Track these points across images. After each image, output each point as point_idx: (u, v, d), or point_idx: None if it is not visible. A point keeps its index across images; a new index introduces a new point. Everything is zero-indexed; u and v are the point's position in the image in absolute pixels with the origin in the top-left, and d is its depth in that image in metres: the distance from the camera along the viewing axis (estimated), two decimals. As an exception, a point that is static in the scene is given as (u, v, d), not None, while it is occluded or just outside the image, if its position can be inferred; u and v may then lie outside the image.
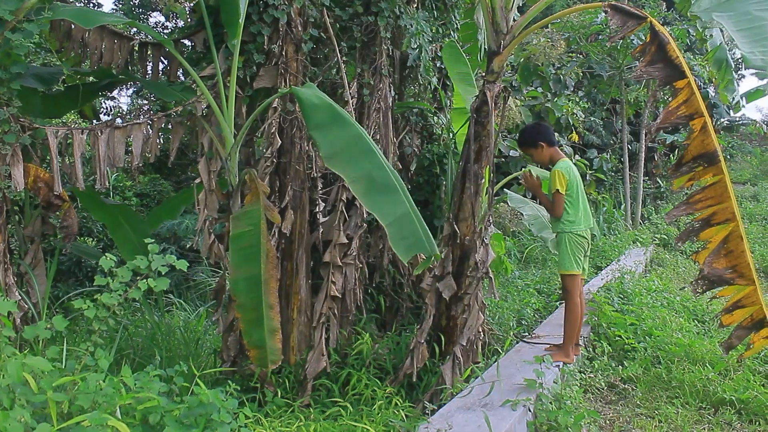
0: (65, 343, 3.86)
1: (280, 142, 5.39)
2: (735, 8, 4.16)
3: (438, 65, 7.36)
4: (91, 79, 6.69)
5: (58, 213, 5.93)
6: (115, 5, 16.89)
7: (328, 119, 4.63)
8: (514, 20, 5.35)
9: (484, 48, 7.77)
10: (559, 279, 5.88)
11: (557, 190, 5.28)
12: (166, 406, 3.17)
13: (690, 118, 4.52)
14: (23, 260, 5.77)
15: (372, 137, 5.57)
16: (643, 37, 4.73)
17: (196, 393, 3.25)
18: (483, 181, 5.46)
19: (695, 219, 4.69)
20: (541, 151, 5.46)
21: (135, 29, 7.80)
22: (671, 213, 4.80)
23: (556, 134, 12.67)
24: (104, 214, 6.85)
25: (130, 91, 16.46)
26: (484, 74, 5.44)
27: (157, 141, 5.43)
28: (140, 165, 5.31)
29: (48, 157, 4.97)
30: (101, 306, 3.34)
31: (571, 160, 12.81)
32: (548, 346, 5.65)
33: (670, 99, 4.55)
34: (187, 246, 10.96)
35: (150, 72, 6.31)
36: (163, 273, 3.53)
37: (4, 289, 4.53)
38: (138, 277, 3.49)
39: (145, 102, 14.61)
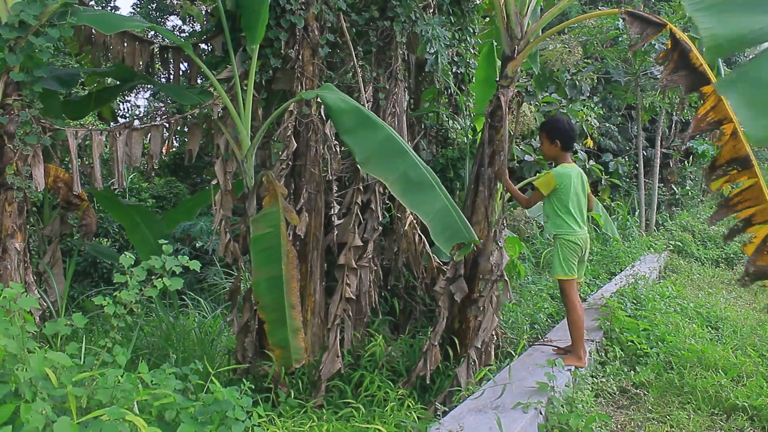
0: (84, 341, 3.93)
1: (296, 145, 5.45)
2: (748, 76, 3.98)
3: (455, 70, 7.40)
4: (109, 82, 6.80)
5: (77, 212, 6.02)
6: (133, 9, 17.05)
7: (356, 122, 4.71)
8: (529, 25, 5.38)
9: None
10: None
11: (538, 189, 5.43)
12: (181, 403, 3.22)
13: (719, 123, 4.54)
14: (42, 260, 5.86)
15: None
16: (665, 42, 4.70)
17: (212, 390, 3.29)
18: (496, 185, 5.49)
19: (737, 217, 4.77)
20: (552, 146, 5.53)
21: (154, 33, 7.89)
22: (713, 217, 4.88)
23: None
24: (122, 215, 6.94)
25: (147, 93, 16.60)
26: (498, 79, 5.48)
27: (174, 143, 5.51)
28: (156, 167, 5.39)
29: (68, 158, 5.06)
30: (120, 303, 3.40)
31: (586, 165, 12.81)
32: (556, 349, 5.68)
33: (693, 105, 4.56)
34: (200, 246, 11.04)
35: (172, 75, 6.41)
36: (177, 273, 3.59)
37: (24, 288, 4.61)
38: (153, 277, 3.56)
39: (162, 104, 14.73)
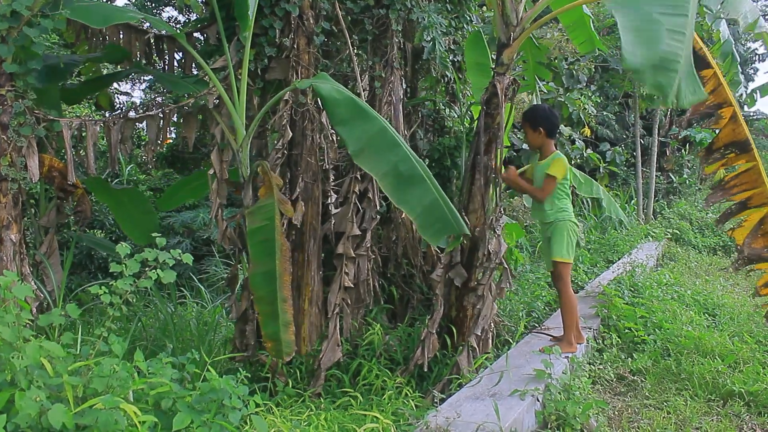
0: (80, 332, 3.93)
1: (291, 134, 5.43)
2: (639, 6, 3.98)
3: (452, 58, 7.37)
4: (105, 71, 6.78)
5: (72, 198, 6.02)
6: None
7: (350, 114, 4.69)
8: (524, 12, 5.36)
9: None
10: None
11: (554, 176, 5.32)
12: (178, 392, 3.22)
13: (719, 107, 4.55)
14: (38, 250, 5.85)
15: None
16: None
17: (208, 379, 3.29)
18: (493, 173, 5.48)
19: (733, 199, 4.78)
20: (537, 135, 5.47)
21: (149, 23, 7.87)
22: (709, 198, 4.89)
23: (569, 128, 12.66)
24: (109, 197, 6.95)
25: (144, 85, 16.56)
26: (494, 67, 5.46)
27: (170, 134, 5.50)
28: (153, 158, 5.39)
29: (63, 150, 5.04)
30: (115, 293, 3.40)
31: (583, 154, 12.81)
32: (552, 338, 5.68)
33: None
34: (203, 238, 11.04)
35: (167, 65, 6.40)
36: (170, 265, 3.58)
37: (20, 279, 4.60)
38: (147, 269, 3.55)
39: (158, 95, 14.69)
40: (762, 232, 4.82)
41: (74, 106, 11.24)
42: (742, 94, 16.16)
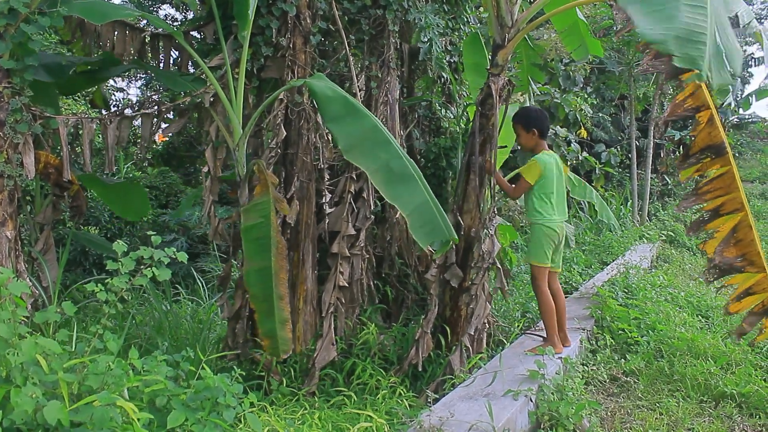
0: (75, 329, 3.93)
1: (286, 133, 5.43)
2: None
3: (448, 59, 7.39)
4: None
5: (67, 192, 6.03)
6: (126, -4, 16.93)
7: (342, 111, 4.68)
8: (520, 13, 5.38)
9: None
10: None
11: (524, 178, 5.40)
12: (172, 389, 3.23)
13: (696, 110, 4.52)
14: (34, 247, 5.85)
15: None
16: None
17: (203, 377, 3.30)
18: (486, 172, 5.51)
19: (705, 209, 4.74)
20: (530, 136, 5.50)
21: (146, 21, 7.86)
22: (681, 204, 4.85)
23: (564, 129, 12.68)
24: (104, 192, 6.99)
25: (140, 83, 16.53)
26: (488, 68, 5.47)
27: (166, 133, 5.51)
28: (149, 156, 5.40)
29: (59, 147, 5.04)
30: (111, 290, 3.40)
31: (579, 156, 12.83)
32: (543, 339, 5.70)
33: (676, 92, 4.53)
34: (198, 235, 11.02)
35: (162, 63, 6.39)
36: (165, 263, 3.59)
37: (15, 275, 4.60)
38: (142, 267, 3.56)
39: (154, 93, 14.67)
40: (735, 240, 4.73)
41: (70, 103, 11.23)
42: (730, 103, 16.23)
